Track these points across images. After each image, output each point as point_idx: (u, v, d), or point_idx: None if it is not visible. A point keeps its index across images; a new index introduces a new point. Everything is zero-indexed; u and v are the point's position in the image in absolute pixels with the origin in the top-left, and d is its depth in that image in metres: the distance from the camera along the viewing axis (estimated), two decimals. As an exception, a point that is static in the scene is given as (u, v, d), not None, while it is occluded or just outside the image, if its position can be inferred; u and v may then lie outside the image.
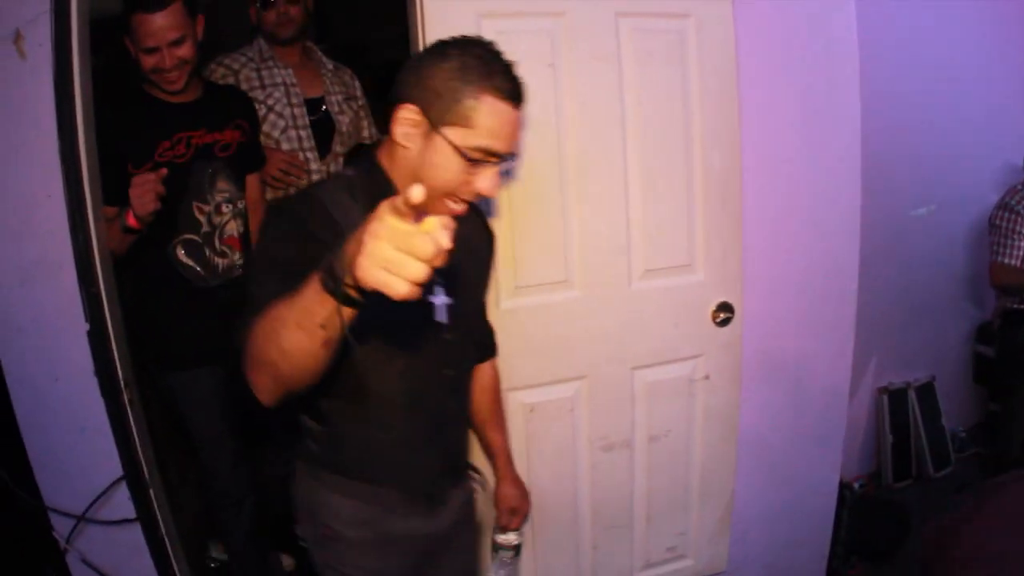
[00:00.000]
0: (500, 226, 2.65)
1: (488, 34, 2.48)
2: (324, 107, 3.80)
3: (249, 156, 3.33)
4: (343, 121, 3.85)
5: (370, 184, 1.85)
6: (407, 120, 1.78)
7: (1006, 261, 4.62)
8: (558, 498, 3.05)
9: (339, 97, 3.87)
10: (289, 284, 1.49)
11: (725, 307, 3.07)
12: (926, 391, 5.18)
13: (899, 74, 4.64)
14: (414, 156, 1.80)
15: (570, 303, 2.87)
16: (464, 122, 1.75)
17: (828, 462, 3.62)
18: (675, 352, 3.08)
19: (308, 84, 3.78)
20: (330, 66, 3.92)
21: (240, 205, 3.24)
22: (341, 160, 3.85)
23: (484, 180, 1.81)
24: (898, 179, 4.78)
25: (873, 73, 4.15)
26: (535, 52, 2.64)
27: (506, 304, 2.77)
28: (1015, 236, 4.60)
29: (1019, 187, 4.71)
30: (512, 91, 1.79)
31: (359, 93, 4.02)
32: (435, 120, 1.76)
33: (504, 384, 2.74)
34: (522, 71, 2.32)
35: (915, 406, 5.11)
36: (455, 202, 1.84)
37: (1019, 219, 4.59)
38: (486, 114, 1.75)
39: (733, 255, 3.08)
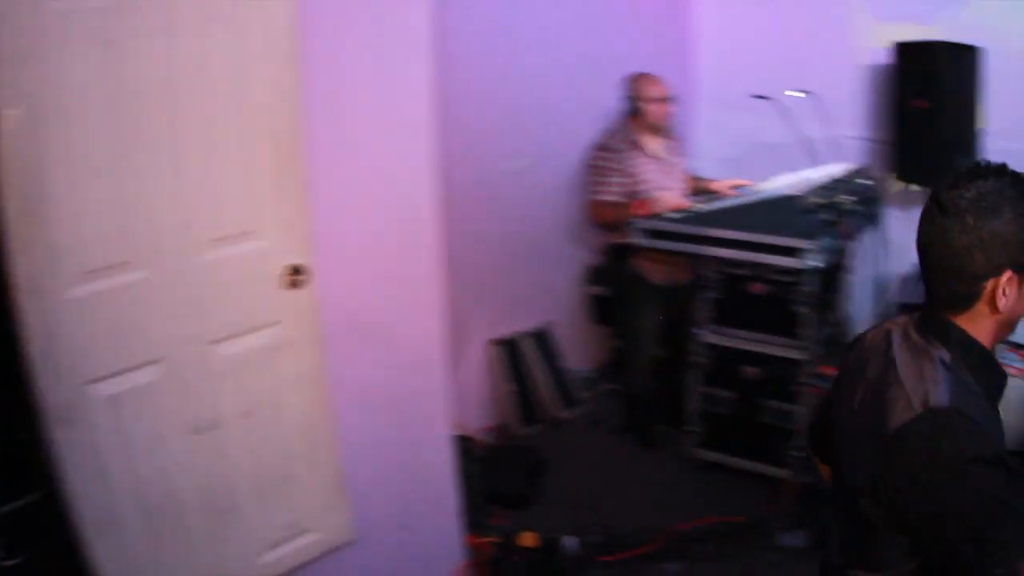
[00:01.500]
0: (57, 210, 2.77)
1: (50, 15, 2.64)
2: None
3: None
4: None
5: (972, 364, 1.93)
6: (1008, 286, 1.86)
7: (604, 198, 5.26)
8: (161, 490, 3.17)
9: None
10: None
11: (297, 270, 3.31)
12: (541, 338, 5.78)
13: (491, 31, 5.15)
14: (1008, 309, 1.89)
15: (139, 283, 2.98)
16: None
17: (436, 417, 4.02)
18: (252, 322, 3.31)
19: None
20: None
21: None
22: None
23: None
24: (496, 134, 5.29)
25: (462, 29, 4.62)
26: (92, 30, 2.73)
27: (73, 292, 2.84)
28: (610, 173, 5.25)
29: (615, 127, 5.41)
30: None
31: None
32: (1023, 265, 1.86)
33: (80, 378, 2.91)
34: (78, 52, 2.57)
35: (532, 353, 5.69)
36: None
37: (614, 156, 5.26)
38: None
39: (301, 217, 3.32)
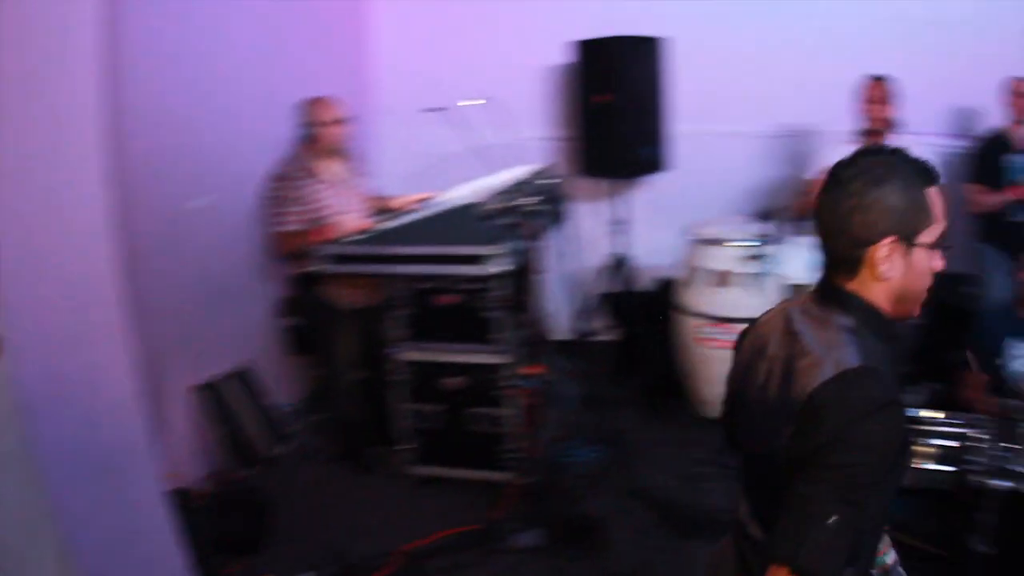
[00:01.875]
0: None
1: None
2: None
3: None
4: None
5: (874, 327, 2.10)
6: (889, 253, 2.03)
7: (284, 229, 5.30)
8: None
9: None
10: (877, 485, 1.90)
11: (-14, 342, 3.13)
12: (243, 377, 5.78)
13: (164, 73, 5.04)
14: (898, 278, 2.06)
15: None
16: (927, 222, 2.03)
17: (147, 475, 3.95)
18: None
19: None
20: None
21: None
22: None
23: (939, 260, 2.10)
24: (175, 175, 5.19)
25: (139, 76, 4.56)
26: None
27: None
28: (288, 203, 5.29)
29: (291, 155, 5.44)
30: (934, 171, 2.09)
31: None
32: (910, 236, 2.03)
33: None
34: None
35: (236, 394, 5.68)
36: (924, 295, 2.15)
37: (290, 185, 5.29)
38: (934, 202, 2.04)
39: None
